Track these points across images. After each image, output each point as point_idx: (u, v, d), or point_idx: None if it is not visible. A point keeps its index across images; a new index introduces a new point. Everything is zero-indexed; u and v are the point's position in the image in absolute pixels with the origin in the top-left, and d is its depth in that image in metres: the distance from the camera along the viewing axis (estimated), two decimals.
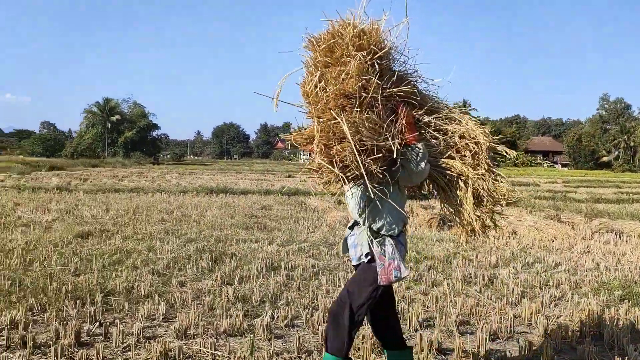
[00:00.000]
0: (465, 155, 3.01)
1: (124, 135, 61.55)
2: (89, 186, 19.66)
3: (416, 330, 4.35)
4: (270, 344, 3.94)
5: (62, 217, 10.69)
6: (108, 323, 4.26)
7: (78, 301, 4.71)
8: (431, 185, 3.23)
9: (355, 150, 2.66)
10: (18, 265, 6.08)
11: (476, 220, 3.01)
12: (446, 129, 3.05)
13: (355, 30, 2.81)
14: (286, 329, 4.34)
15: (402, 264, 2.95)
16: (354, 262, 3.14)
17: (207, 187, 19.01)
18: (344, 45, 2.79)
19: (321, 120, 2.77)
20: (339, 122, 2.69)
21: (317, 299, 5.12)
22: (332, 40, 2.83)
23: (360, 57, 2.73)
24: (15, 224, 9.60)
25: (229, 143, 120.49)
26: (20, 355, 3.50)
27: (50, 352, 3.60)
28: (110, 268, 6.14)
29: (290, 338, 4.12)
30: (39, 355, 3.63)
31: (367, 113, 2.74)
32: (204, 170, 38.13)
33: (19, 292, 4.93)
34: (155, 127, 67.27)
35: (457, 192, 3.02)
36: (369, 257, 2.98)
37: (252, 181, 24.77)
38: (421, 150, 2.88)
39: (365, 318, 3.12)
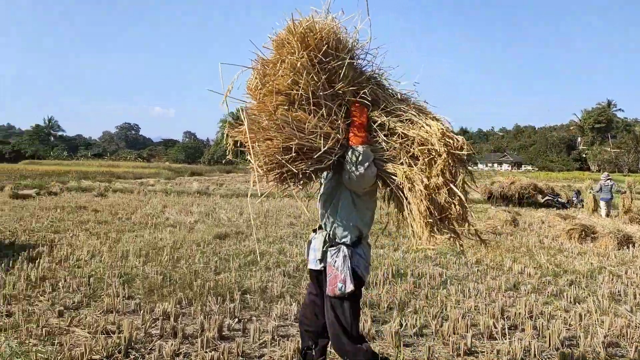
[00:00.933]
0: (421, 163, 2.74)
1: None
2: (224, 191, 21.19)
3: (557, 349, 4.04)
4: (400, 351, 3.91)
5: (202, 219, 11.64)
6: (246, 320, 4.55)
7: (219, 297, 5.09)
8: (385, 190, 3.00)
9: (251, 148, 2.65)
10: (167, 262, 6.73)
11: (420, 229, 2.73)
12: (405, 133, 2.79)
13: (301, 29, 2.72)
14: (415, 337, 4.29)
15: (348, 277, 2.78)
16: (310, 266, 3.01)
17: None
18: (293, 43, 2.71)
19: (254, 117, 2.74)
20: (263, 121, 2.66)
21: (446, 309, 4.98)
22: (284, 39, 2.77)
23: (298, 55, 2.66)
24: (164, 225, 10.65)
25: None
26: (172, 344, 3.86)
27: (197, 343, 3.93)
28: (245, 268, 6.54)
29: (420, 347, 4.06)
30: (187, 345, 3.98)
31: (297, 111, 2.66)
32: None
33: (169, 287, 5.45)
34: None
35: (404, 199, 2.77)
36: (322, 264, 2.88)
37: None
38: (361, 153, 2.70)
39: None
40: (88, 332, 4.10)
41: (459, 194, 2.72)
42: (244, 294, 5.36)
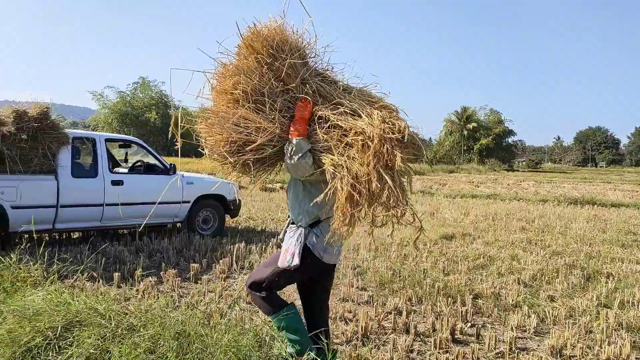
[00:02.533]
0: (355, 150, 2.82)
1: (480, 142, 62.83)
2: (447, 191, 20.84)
3: None
4: None
5: (427, 218, 11.62)
6: (479, 325, 4.35)
7: (449, 299, 4.99)
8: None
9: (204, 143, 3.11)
10: (396, 258, 6.88)
11: (342, 216, 2.75)
12: (343, 124, 2.91)
13: (247, 35, 3.08)
14: None
15: (297, 253, 3.02)
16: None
17: (569, 197, 17.53)
18: (242, 48, 3.10)
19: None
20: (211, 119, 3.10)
21: None
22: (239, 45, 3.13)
23: (242, 58, 3.07)
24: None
25: (594, 149, 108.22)
26: (405, 339, 3.92)
27: (429, 342, 3.91)
28: (474, 272, 6.29)
29: None
30: (420, 342, 3.99)
31: (236, 108, 3.01)
32: (564, 179, 35.31)
33: (399, 282, 5.56)
34: (511, 133, 66.24)
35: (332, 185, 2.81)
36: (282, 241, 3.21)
37: (625, 192, 21.52)
38: (294, 145, 2.91)
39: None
40: (329, 317, 4.43)
41: (388, 180, 2.72)
42: (475, 298, 5.15)
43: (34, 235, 5.99)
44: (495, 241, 8.60)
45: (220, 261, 6.05)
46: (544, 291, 5.44)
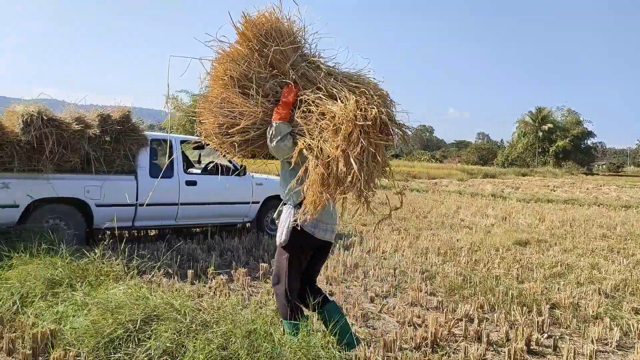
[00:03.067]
0: (326, 133, 2.96)
1: (556, 144, 59.86)
2: (520, 194, 20.01)
3: None
4: None
5: (498, 223, 11.22)
6: (557, 337, 4.13)
7: (524, 308, 4.77)
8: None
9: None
10: (466, 264, 6.68)
11: (311, 196, 2.92)
12: (321, 108, 3.04)
13: (240, 24, 3.27)
14: None
15: (285, 230, 3.27)
16: None
17: None
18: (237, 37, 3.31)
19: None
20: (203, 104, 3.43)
21: None
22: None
23: (235, 46, 3.31)
24: (460, 225, 10.67)
25: None
26: (476, 348, 3.79)
27: (503, 352, 3.76)
28: (551, 280, 5.99)
29: None
30: (492, 352, 3.85)
31: (225, 94, 3.25)
32: None
33: (470, 289, 5.39)
34: (591, 134, 62.61)
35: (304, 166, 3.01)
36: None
37: None
38: (274, 128, 3.11)
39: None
40: (397, 321, 4.37)
41: (354, 165, 2.79)
42: (553, 308, 4.90)
43: (116, 232, 6.33)
44: (574, 249, 8.15)
45: None
46: (627, 303, 5.09)
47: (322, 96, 3.10)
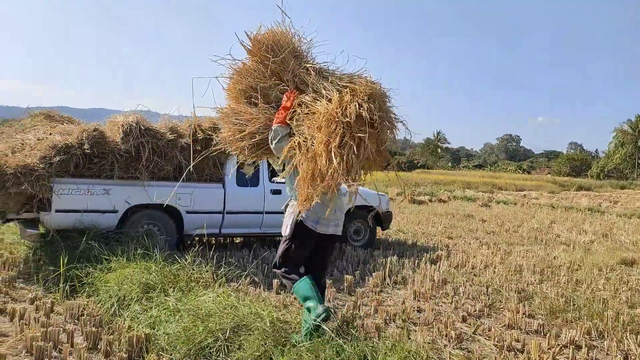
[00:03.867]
0: (310, 131, 3.23)
1: None
2: (620, 209, 18.49)
3: None
4: None
5: (598, 240, 10.38)
6: None
7: (638, 336, 4.28)
8: None
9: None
10: (566, 284, 6.17)
11: (301, 190, 3.14)
12: (312, 109, 3.32)
13: (248, 41, 3.70)
14: None
15: (289, 225, 3.59)
16: None
17: None
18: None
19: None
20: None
21: None
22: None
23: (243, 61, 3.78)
24: (555, 242, 9.97)
25: None
26: None
27: None
28: None
29: None
30: None
31: (237, 104, 3.76)
32: None
33: (574, 312, 4.94)
34: None
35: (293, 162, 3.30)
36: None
37: None
38: (273, 131, 3.48)
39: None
40: (494, 344, 4.07)
41: (334, 160, 2.96)
42: None
43: (205, 238, 6.48)
44: None
45: (373, 274, 5.96)
46: None
47: (316, 97, 3.39)
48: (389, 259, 6.69)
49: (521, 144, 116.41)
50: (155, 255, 5.07)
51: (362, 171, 3.28)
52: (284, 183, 7.76)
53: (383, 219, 8.39)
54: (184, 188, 6.56)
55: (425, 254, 7.56)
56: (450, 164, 74.58)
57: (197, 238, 7.09)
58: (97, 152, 5.97)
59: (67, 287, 4.82)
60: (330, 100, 3.24)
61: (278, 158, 3.53)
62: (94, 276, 4.89)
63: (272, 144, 3.52)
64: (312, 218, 3.53)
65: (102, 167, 6.06)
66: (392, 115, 3.48)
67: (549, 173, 62.09)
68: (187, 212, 6.66)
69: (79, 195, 5.95)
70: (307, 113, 3.35)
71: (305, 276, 3.57)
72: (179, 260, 5.00)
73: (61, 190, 5.83)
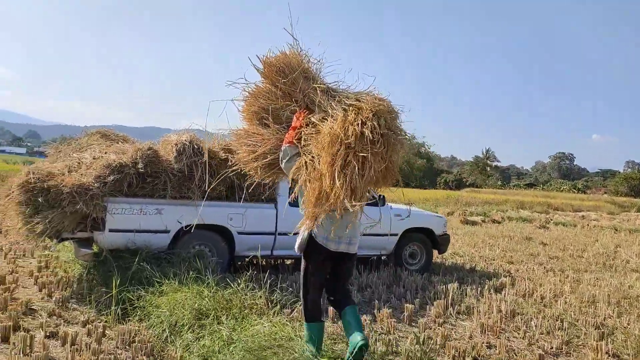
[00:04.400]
0: (317, 152, 3.25)
1: None
2: None
3: None
4: None
5: None
6: None
7: None
8: None
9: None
10: None
11: (307, 209, 3.21)
12: (319, 129, 3.34)
13: (261, 65, 3.82)
14: None
15: (298, 242, 3.67)
16: None
17: None
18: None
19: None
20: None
21: None
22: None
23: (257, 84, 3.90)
24: (625, 268, 9.26)
25: None
26: None
27: None
28: None
29: None
30: None
31: (248, 126, 3.98)
32: None
33: None
34: None
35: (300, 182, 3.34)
36: None
37: None
38: (282, 151, 3.56)
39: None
40: None
41: (337, 180, 3.00)
42: None
43: (259, 260, 6.26)
44: None
45: (435, 303, 5.57)
46: None
47: (324, 117, 3.41)
48: (449, 285, 6.29)
49: (575, 162, 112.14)
50: (208, 278, 4.90)
51: (369, 189, 3.36)
52: None
53: (440, 242, 7.98)
54: (236, 208, 6.40)
55: (487, 280, 7.09)
56: (500, 183, 72.44)
57: (247, 260, 6.91)
58: (150, 172, 5.90)
59: (119, 310, 4.70)
60: (332, 120, 3.28)
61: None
62: (146, 299, 4.76)
63: (282, 163, 3.62)
64: (322, 235, 3.55)
65: (155, 186, 5.98)
66: (402, 132, 3.50)
67: (605, 193, 59.36)
68: (239, 233, 6.49)
69: (132, 214, 5.88)
70: (314, 132, 3.39)
71: (322, 321, 3.77)
72: (232, 285, 4.80)
73: (115, 209, 5.78)
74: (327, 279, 3.80)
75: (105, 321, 4.64)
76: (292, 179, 3.51)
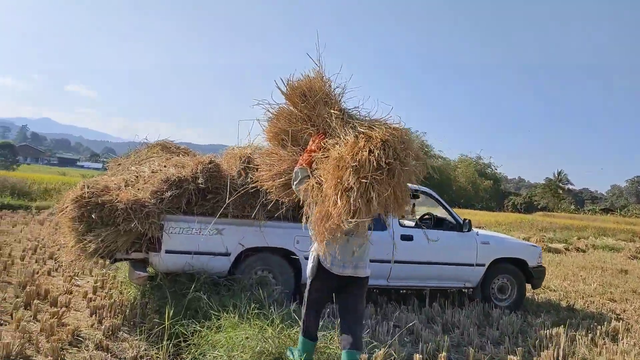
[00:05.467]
0: (325, 175, 3.38)
1: None
2: None
3: None
4: None
5: None
6: None
7: None
8: None
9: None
10: None
11: (314, 230, 3.37)
12: (330, 153, 3.46)
13: (283, 89, 3.96)
14: None
15: (310, 265, 3.64)
16: None
17: None
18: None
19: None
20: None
21: None
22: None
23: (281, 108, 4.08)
24: None
25: None
26: None
27: None
28: None
29: None
30: None
31: (270, 145, 4.33)
32: None
33: None
34: None
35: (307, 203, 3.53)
36: None
37: None
38: (294, 173, 3.68)
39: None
40: None
41: (339, 202, 3.09)
42: None
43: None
44: None
45: (542, 354, 4.58)
46: None
47: (336, 142, 3.47)
48: (554, 330, 5.26)
49: None
50: (272, 314, 4.20)
51: (373, 214, 3.29)
52: (415, 227, 6.70)
53: (534, 275, 6.91)
54: (303, 230, 5.70)
55: (595, 324, 5.97)
56: (573, 207, 68.13)
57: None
58: (211, 187, 5.32)
59: (171, 345, 4.09)
60: (341, 146, 3.38)
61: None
62: (201, 335, 4.11)
63: (293, 184, 3.71)
64: (327, 259, 3.54)
65: (215, 203, 5.37)
66: (413, 160, 3.52)
67: None
68: (306, 259, 5.76)
69: (190, 235, 5.30)
70: (325, 157, 3.48)
71: (313, 341, 3.69)
72: (299, 321, 4.07)
73: (172, 228, 5.22)
74: (339, 311, 3.74)
75: (156, 357, 4.04)
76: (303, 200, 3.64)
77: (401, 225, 6.40)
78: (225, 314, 4.28)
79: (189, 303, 4.73)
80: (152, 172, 5.60)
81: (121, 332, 4.68)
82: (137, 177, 5.65)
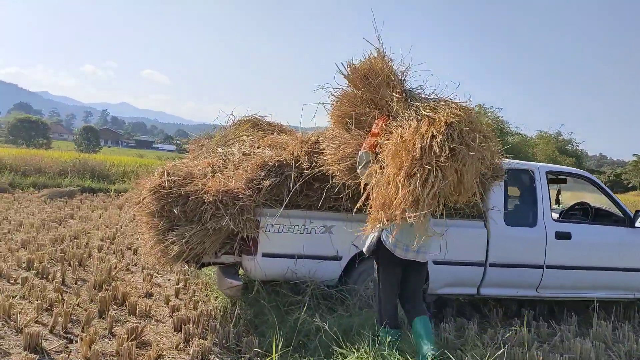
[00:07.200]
0: (388, 161, 3.25)
1: None
2: None
3: None
4: None
5: None
6: None
7: None
8: None
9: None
10: None
11: (372, 214, 3.19)
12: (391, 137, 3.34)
13: (347, 71, 3.84)
14: None
15: (367, 242, 3.49)
16: None
17: None
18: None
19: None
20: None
21: None
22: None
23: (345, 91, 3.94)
24: None
25: None
26: None
27: None
28: None
29: None
30: None
31: (334, 129, 4.07)
32: None
33: None
34: None
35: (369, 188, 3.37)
36: None
37: None
38: (359, 157, 3.57)
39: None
40: None
41: (400, 189, 2.97)
42: None
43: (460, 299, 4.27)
44: None
45: None
46: None
47: (399, 125, 3.37)
48: None
49: None
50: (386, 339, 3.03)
51: (438, 201, 3.09)
52: (573, 222, 5.26)
53: None
54: (435, 227, 4.44)
55: None
56: None
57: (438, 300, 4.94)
58: (319, 174, 4.16)
59: None
60: (402, 130, 3.27)
61: None
62: None
63: (357, 168, 3.59)
64: (390, 241, 3.37)
65: (323, 194, 4.21)
66: (483, 141, 3.36)
67: None
68: (435, 263, 4.51)
69: (293, 234, 4.21)
70: (388, 141, 3.34)
71: (398, 329, 3.45)
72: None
73: (271, 226, 4.14)
74: (400, 288, 3.56)
75: None
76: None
77: (555, 220, 4.97)
78: (350, 345, 3.15)
79: (296, 323, 3.66)
80: (243, 154, 4.54)
81: (212, 356, 3.69)
82: (225, 160, 4.61)
